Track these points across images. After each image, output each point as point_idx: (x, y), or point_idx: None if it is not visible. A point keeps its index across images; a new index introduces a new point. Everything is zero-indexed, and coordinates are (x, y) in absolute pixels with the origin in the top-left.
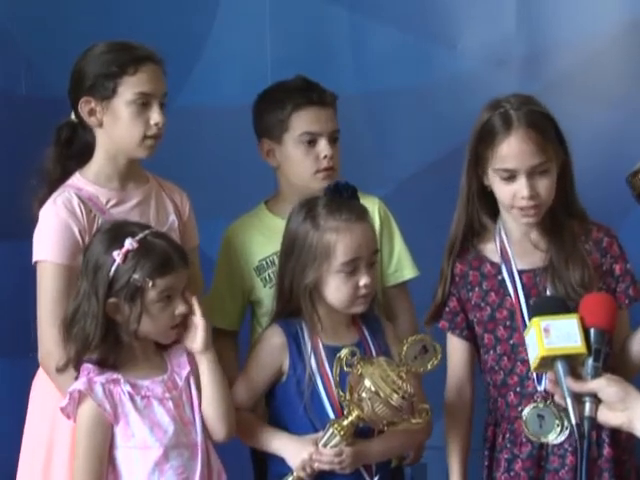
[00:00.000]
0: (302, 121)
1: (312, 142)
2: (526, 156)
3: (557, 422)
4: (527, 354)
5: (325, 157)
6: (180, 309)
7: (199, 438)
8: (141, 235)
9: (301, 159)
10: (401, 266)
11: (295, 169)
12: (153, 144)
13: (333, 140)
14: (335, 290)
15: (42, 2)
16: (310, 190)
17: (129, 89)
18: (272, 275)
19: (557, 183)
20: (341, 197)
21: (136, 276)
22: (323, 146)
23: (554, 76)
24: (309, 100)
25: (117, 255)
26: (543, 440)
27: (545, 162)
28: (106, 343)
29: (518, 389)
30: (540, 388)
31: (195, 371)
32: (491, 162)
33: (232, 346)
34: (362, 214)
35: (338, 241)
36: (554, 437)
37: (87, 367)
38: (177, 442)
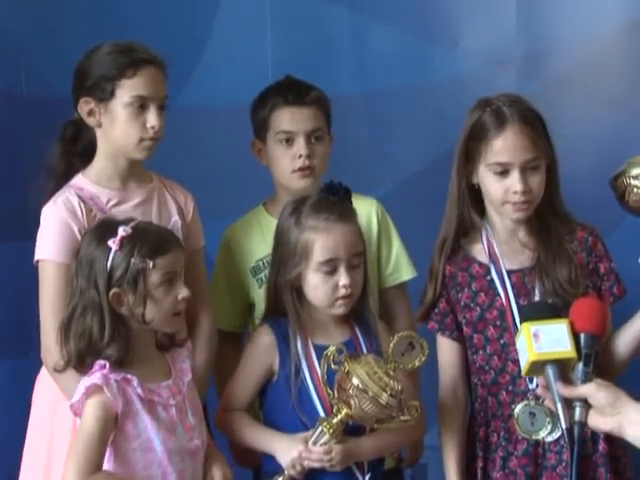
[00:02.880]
0: (278, 120)
1: (289, 141)
2: (520, 150)
3: (548, 419)
4: (517, 353)
5: (301, 156)
6: (183, 293)
7: (201, 443)
8: (132, 223)
9: (280, 158)
10: (399, 267)
11: (277, 168)
12: (150, 146)
13: (313, 139)
14: (314, 289)
15: (42, 2)
16: (292, 190)
17: (127, 92)
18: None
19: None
20: (334, 197)
21: (135, 259)
22: (299, 145)
23: (554, 76)
24: (285, 100)
25: (112, 243)
26: (535, 437)
27: (537, 157)
28: (120, 338)
29: (510, 388)
30: (532, 386)
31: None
32: (484, 157)
33: (236, 348)
34: (346, 215)
35: (316, 240)
36: (545, 434)
37: (100, 363)
38: (180, 447)
